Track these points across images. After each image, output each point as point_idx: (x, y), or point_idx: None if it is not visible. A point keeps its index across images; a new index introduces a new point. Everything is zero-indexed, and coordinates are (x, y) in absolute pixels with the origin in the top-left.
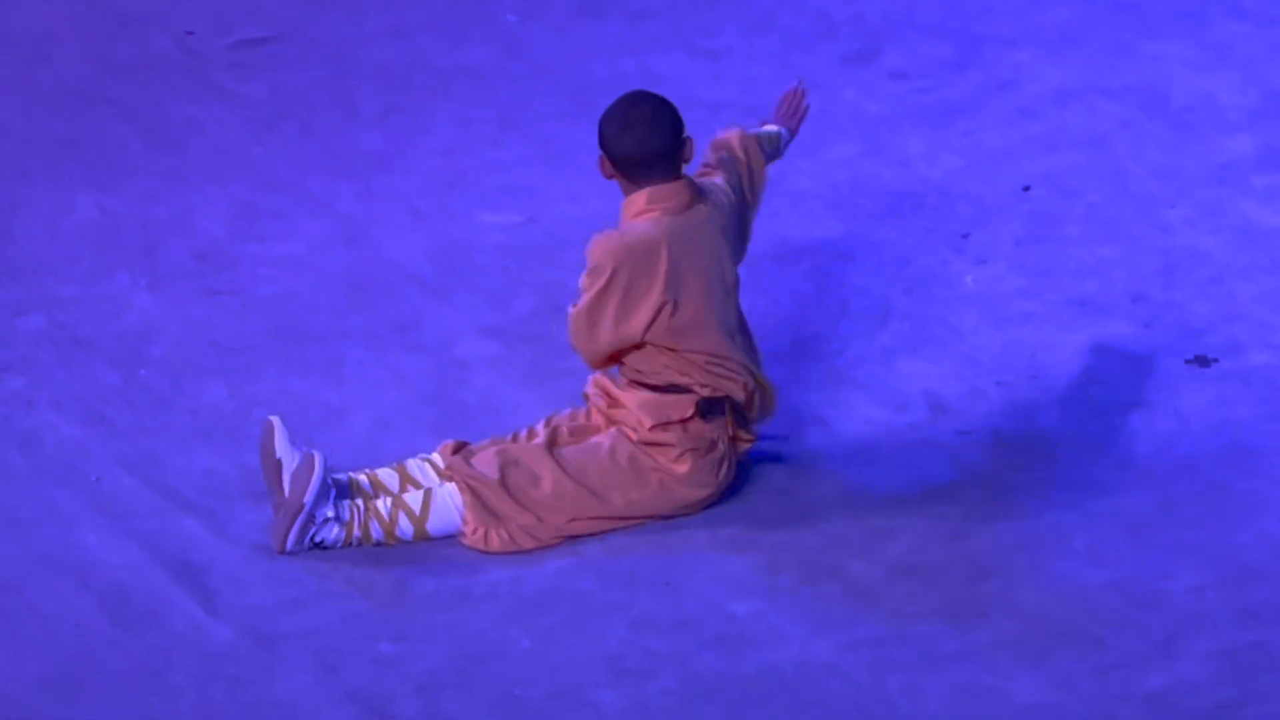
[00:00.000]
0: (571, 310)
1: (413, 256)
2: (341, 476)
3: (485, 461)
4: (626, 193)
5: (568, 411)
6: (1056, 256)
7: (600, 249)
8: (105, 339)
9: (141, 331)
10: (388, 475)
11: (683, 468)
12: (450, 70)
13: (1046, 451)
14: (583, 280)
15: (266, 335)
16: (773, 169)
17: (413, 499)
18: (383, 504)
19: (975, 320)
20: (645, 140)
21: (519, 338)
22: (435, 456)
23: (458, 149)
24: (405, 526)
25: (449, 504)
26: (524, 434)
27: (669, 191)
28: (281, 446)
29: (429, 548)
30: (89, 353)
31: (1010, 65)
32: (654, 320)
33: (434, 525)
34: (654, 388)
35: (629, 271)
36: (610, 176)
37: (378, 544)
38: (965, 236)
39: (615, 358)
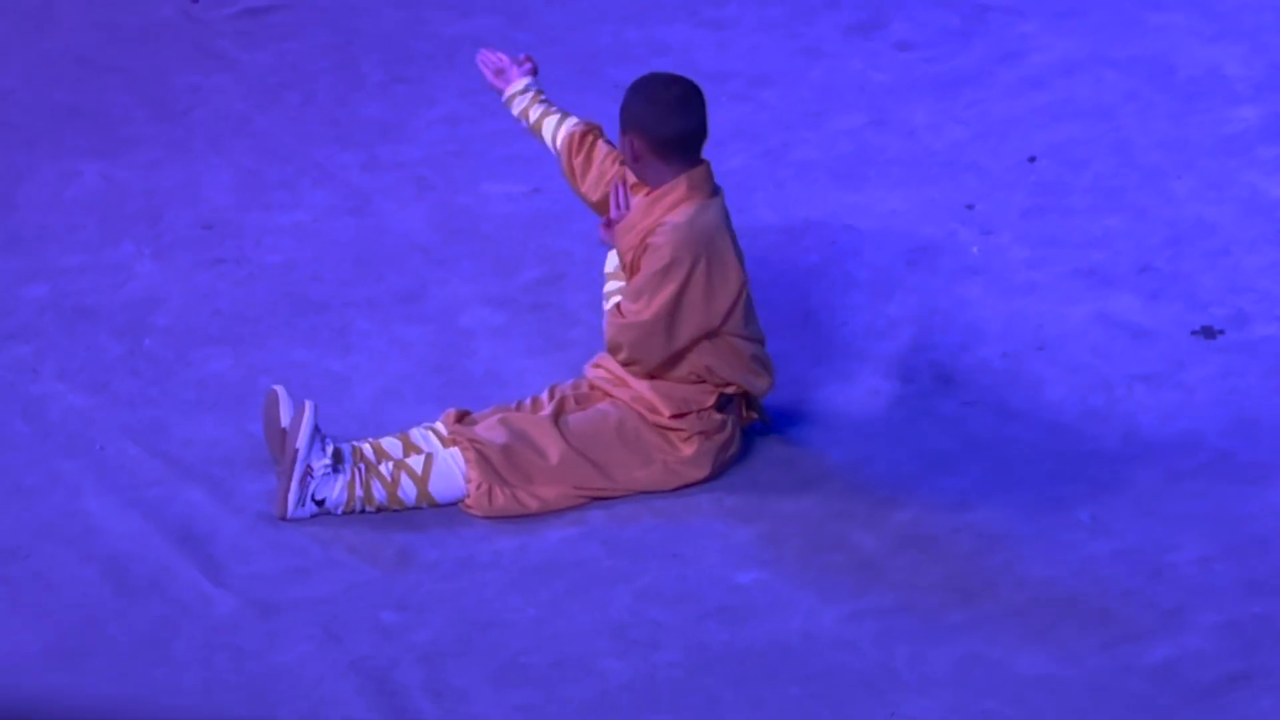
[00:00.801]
0: (630, 318)
1: (418, 226)
2: (344, 446)
3: (490, 428)
4: (653, 178)
5: (571, 381)
6: (1062, 227)
7: (676, 243)
8: (109, 308)
9: (146, 300)
10: (391, 444)
11: (689, 450)
12: (455, 39)
13: (1051, 422)
14: (647, 280)
15: (271, 305)
16: (778, 139)
17: (415, 462)
18: (385, 467)
19: (980, 291)
20: (688, 120)
21: (524, 307)
22: (439, 425)
23: (463, 118)
24: (408, 488)
25: (452, 467)
26: (528, 403)
27: (704, 175)
28: (286, 415)
29: (432, 516)
30: (93, 322)
31: (1016, 35)
32: (734, 305)
33: (436, 488)
34: (679, 380)
35: (708, 260)
36: (639, 159)
37: (380, 509)
38: (971, 207)
39: (679, 357)
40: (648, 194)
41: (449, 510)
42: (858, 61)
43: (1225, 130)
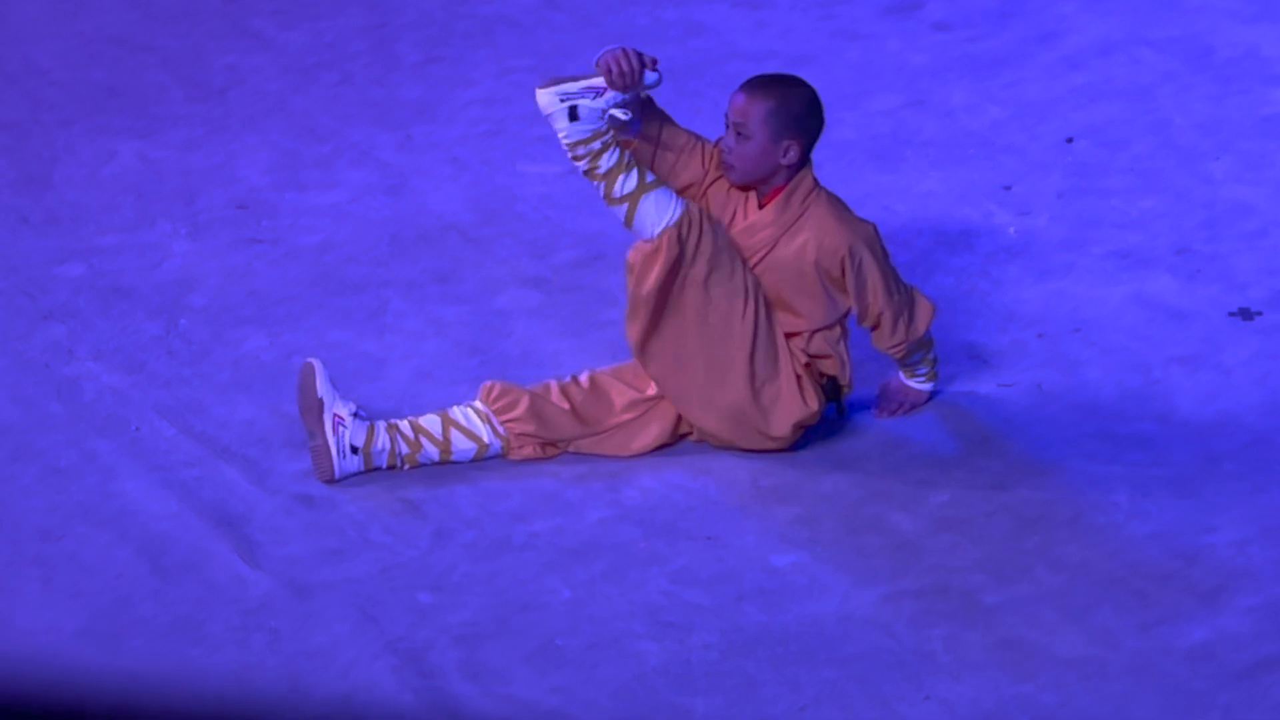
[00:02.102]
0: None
1: (454, 206)
2: (379, 422)
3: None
4: (784, 178)
5: (610, 367)
6: (1099, 208)
7: (869, 236)
8: (145, 288)
9: (182, 280)
10: (430, 421)
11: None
12: (491, 19)
13: (1088, 404)
14: (879, 276)
15: (307, 285)
16: None
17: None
18: (434, 430)
19: (1017, 272)
20: (817, 124)
21: (560, 288)
22: (478, 403)
23: (499, 99)
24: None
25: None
26: (568, 380)
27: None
28: (323, 386)
29: (468, 497)
30: (129, 301)
31: (1054, 16)
32: None
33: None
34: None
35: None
36: (790, 165)
37: (427, 461)
38: (1008, 188)
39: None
40: (766, 196)
41: (486, 491)
42: (895, 42)
43: (1264, 111)
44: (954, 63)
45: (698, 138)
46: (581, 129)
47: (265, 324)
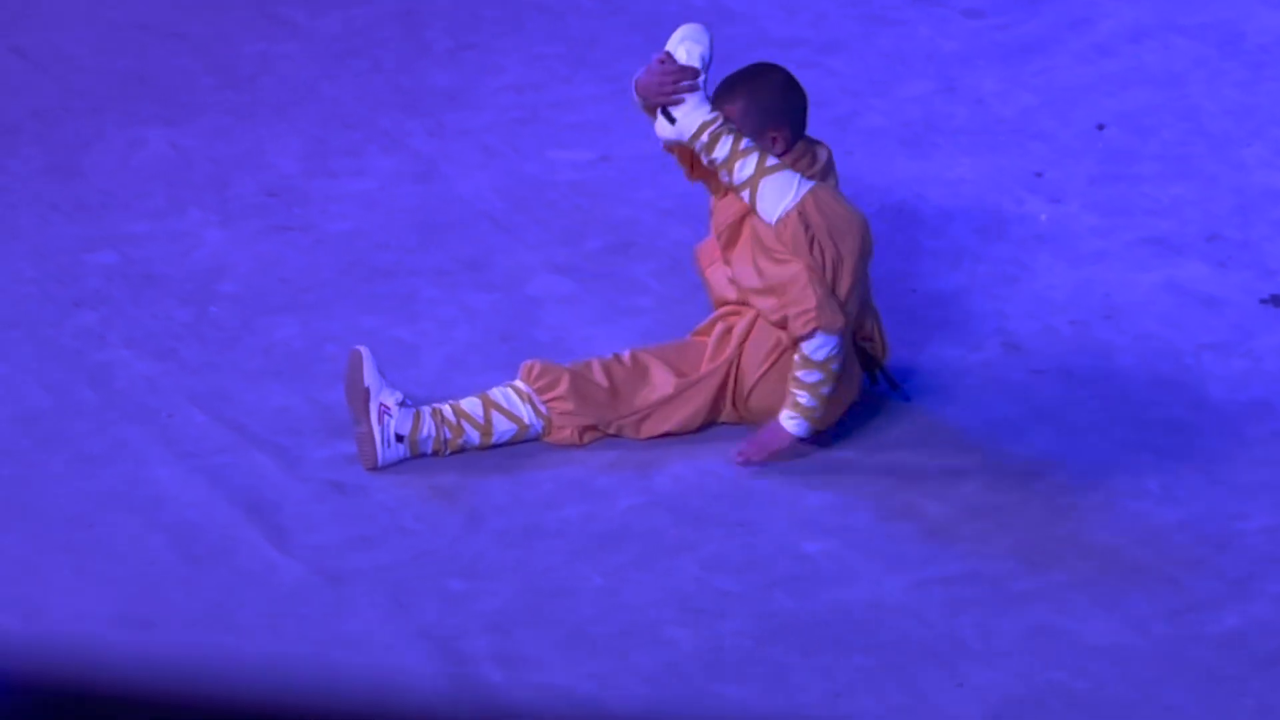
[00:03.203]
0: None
1: (484, 193)
2: (424, 409)
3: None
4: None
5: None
6: (1130, 195)
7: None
8: (176, 275)
9: (212, 268)
10: (471, 404)
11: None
12: (521, 5)
13: (1120, 391)
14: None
15: (337, 272)
16: (846, 106)
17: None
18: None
19: (1049, 259)
20: (800, 96)
21: (591, 275)
22: (519, 383)
23: (529, 85)
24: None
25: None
26: (609, 357)
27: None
28: (370, 375)
29: (499, 484)
30: (160, 289)
31: (1085, 2)
32: None
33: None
34: None
35: None
36: (782, 151)
37: (469, 445)
38: (1039, 175)
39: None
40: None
41: (517, 478)
42: (926, 28)
43: None
44: (985, 49)
45: None
46: (678, 129)
47: (296, 311)
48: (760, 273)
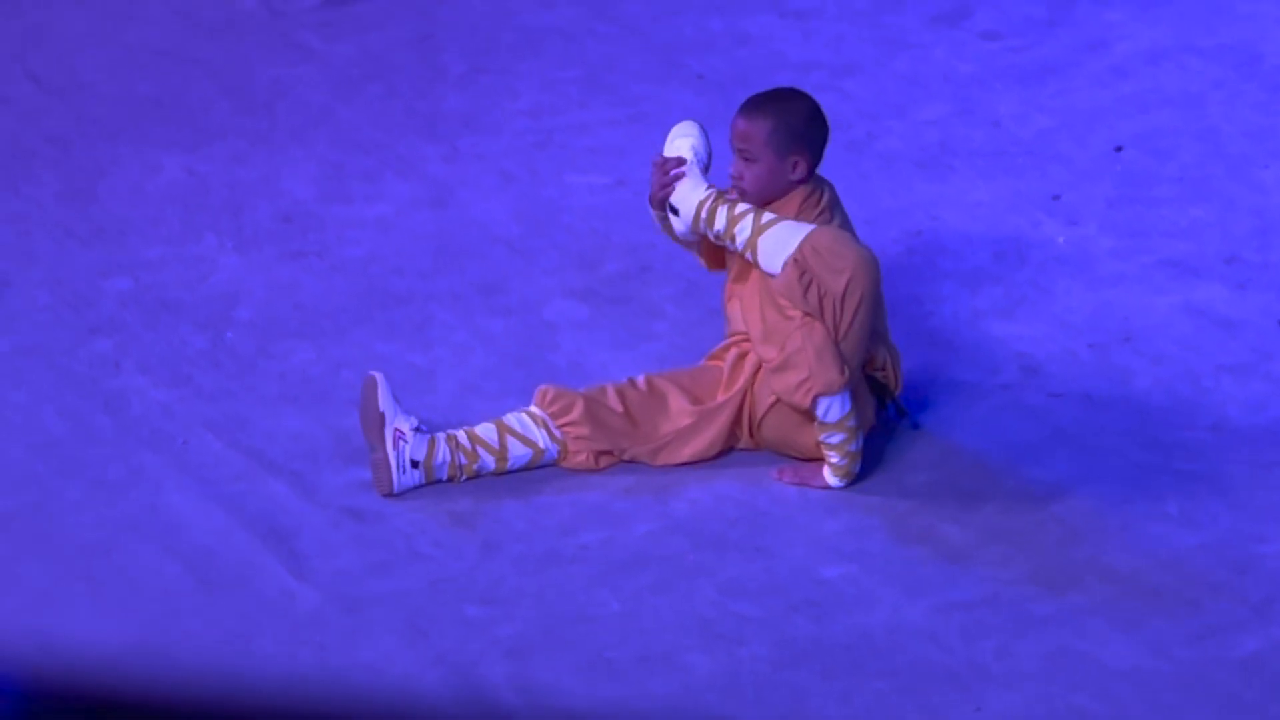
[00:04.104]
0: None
1: (500, 218)
2: (439, 435)
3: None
4: (782, 197)
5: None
6: (1149, 217)
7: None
8: (191, 301)
9: (228, 294)
10: (486, 430)
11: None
12: (537, 30)
13: (1138, 414)
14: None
15: (353, 298)
16: (862, 129)
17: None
18: (490, 440)
19: (1067, 282)
20: (823, 135)
21: (608, 300)
22: (534, 408)
23: (545, 110)
24: (516, 448)
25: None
26: (624, 382)
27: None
28: (385, 401)
29: (517, 510)
30: (175, 315)
31: (1102, 24)
32: None
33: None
34: None
35: None
36: (800, 180)
37: (483, 471)
38: (1056, 197)
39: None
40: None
41: (534, 504)
42: (942, 51)
43: None
44: (1002, 72)
45: None
46: (683, 218)
47: (311, 337)
48: (764, 320)
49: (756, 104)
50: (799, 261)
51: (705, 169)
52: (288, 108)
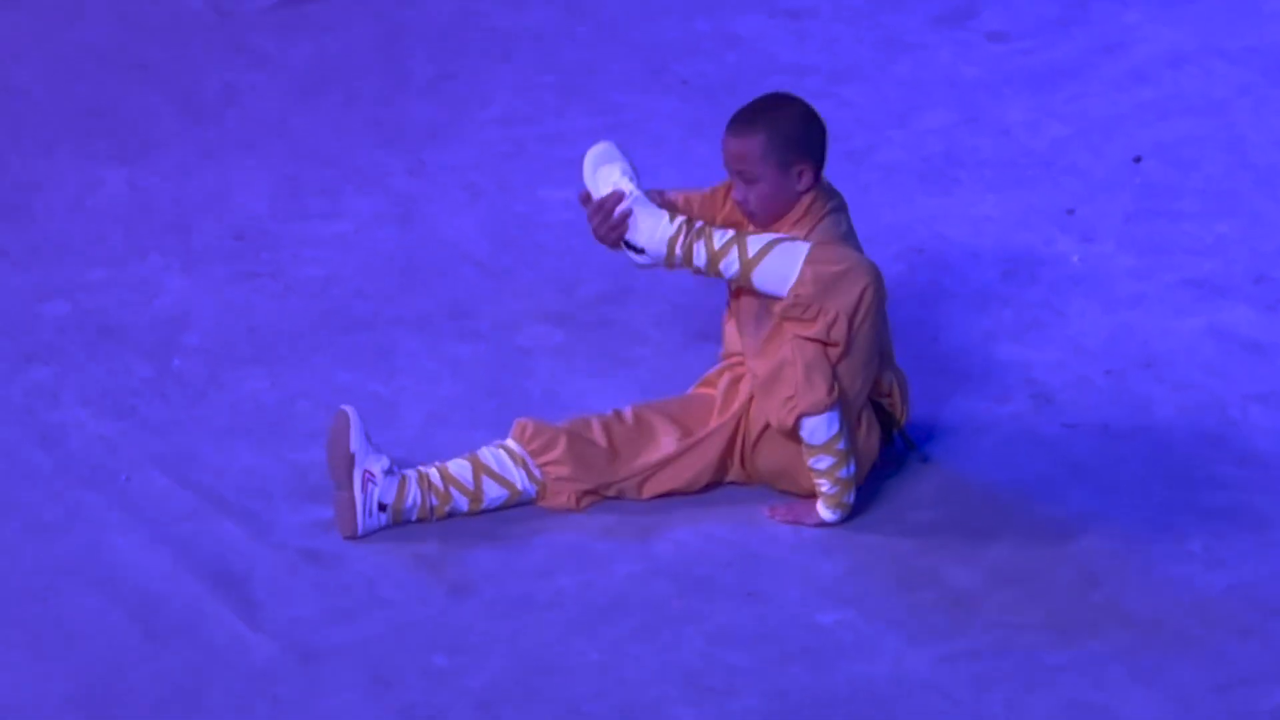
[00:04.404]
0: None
1: (469, 236)
2: (409, 472)
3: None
4: (799, 200)
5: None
6: (1170, 233)
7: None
8: (136, 326)
9: (175, 318)
10: (460, 468)
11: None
12: (510, 32)
13: (1160, 445)
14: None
15: (310, 322)
16: (862, 139)
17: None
18: (464, 480)
19: (1082, 303)
20: (821, 139)
21: (585, 324)
22: (510, 443)
23: (518, 118)
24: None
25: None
26: (609, 414)
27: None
28: (356, 440)
29: (488, 551)
30: (118, 341)
31: (1119, 25)
32: None
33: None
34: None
35: None
36: (806, 188)
37: (456, 512)
38: (1071, 212)
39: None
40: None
41: (506, 544)
42: (947, 54)
43: None
44: (1011, 76)
45: (709, 191)
46: (651, 255)
47: (266, 364)
48: (760, 333)
49: (745, 119)
50: (799, 282)
51: (638, 190)
52: (239, 116)
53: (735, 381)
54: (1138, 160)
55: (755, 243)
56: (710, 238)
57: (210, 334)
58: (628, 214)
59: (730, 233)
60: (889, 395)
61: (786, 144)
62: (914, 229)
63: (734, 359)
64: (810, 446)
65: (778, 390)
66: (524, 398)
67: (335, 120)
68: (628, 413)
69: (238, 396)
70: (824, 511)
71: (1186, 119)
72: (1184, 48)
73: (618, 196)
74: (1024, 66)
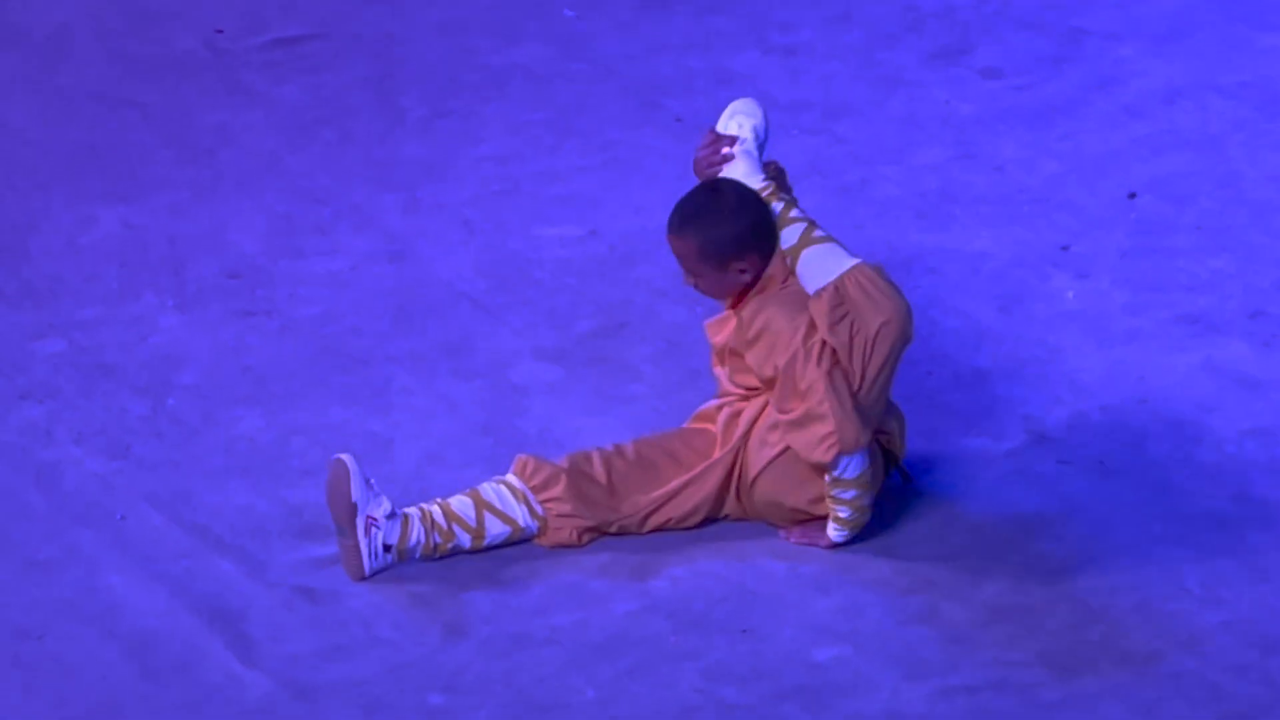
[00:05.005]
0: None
1: (464, 273)
2: (411, 511)
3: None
4: (755, 283)
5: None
6: (1165, 269)
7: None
8: (130, 365)
9: (170, 356)
10: (462, 504)
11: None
12: (503, 69)
13: (1156, 482)
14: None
15: (305, 360)
16: (856, 175)
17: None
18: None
19: (1077, 340)
20: (759, 214)
21: (581, 361)
22: (510, 478)
23: (512, 156)
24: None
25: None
26: (610, 449)
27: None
28: (357, 489)
29: (483, 589)
30: (113, 380)
31: (1113, 61)
32: None
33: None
34: None
35: None
36: (757, 276)
37: (458, 549)
38: (1066, 248)
39: None
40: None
41: (502, 582)
42: (941, 90)
43: None
44: (1005, 112)
45: None
46: None
47: (261, 403)
48: (779, 369)
49: (676, 224)
50: (839, 290)
51: (759, 153)
52: (233, 155)
53: (734, 416)
54: (1132, 196)
55: (820, 233)
56: (787, 206)
57: (205, 372)
58: (730, 158)
59: (804, 215)
60: (888, 433)
61: (719, 247)
62: (909, 266)
63: (731, 397)
64: (840, 480)
65: (814, 428)
66: (519, 435)
67: (329, 158)
68: (629, 448)
69: (233, 435)
70: (834, 532)
71: (1181, 154)
72: (1178, 83)
73: (731, 139)
74: (1018, 103)
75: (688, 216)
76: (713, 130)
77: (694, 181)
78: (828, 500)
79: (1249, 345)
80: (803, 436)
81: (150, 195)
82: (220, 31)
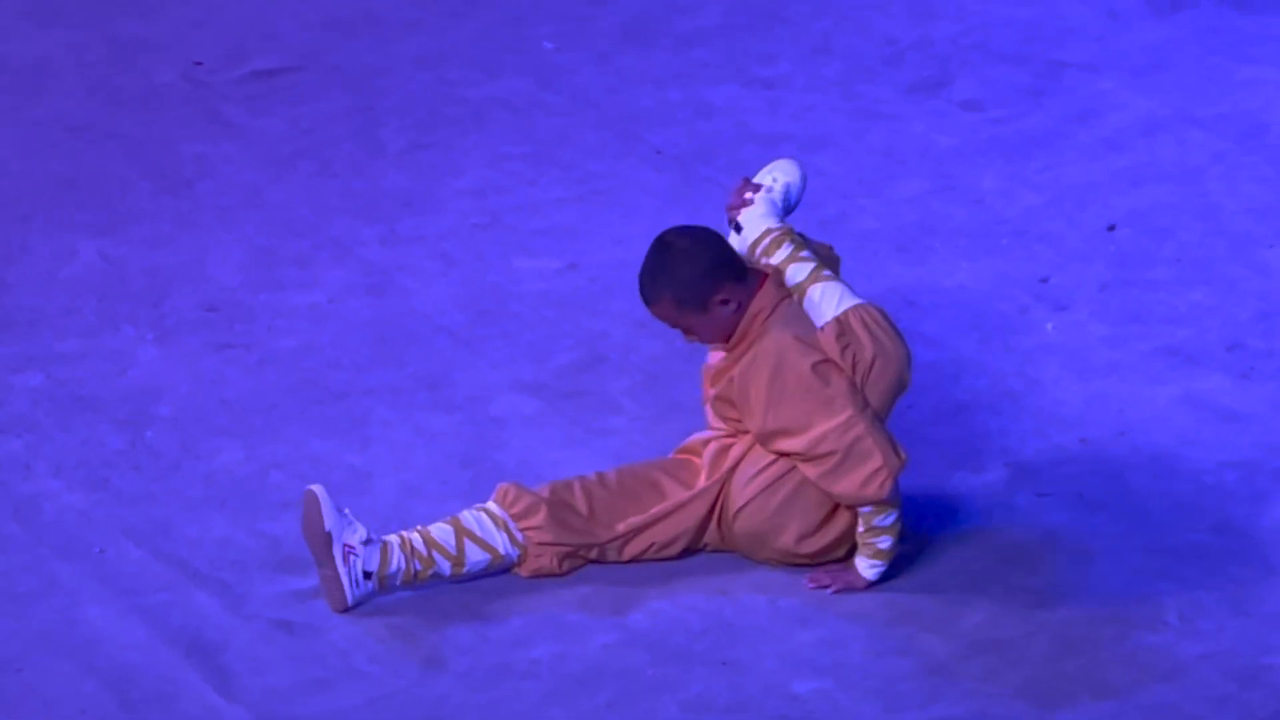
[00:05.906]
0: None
1: (443, 306)
2: (391, 538)
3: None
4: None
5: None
6: (1145, 301)
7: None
8: (109, 397)
9: (148, 389)
10: (443, 532)
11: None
12: (482, 103)
13: (1135, 514)
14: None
15: (284, 393)
16: (835, 207)
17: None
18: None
19: (1057, 372)
20: (713, 244)
21: (560, 394)
22: (491, 505)
23: (491, 188)
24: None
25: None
26: (593, 477)
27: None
28: (330, 518)
29: (463, 621)
30: (91, 412)
31: (1092, 93)
32: None
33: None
34: None
35: None
36: (739, 307)
37: (439, 576)
38: (1045, 280)
39: None
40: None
41: (482, 614)
42: (920, 123)
43: None
44: (985, 145)
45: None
46: (744, 237)
47: (239, 435)
48: (792, 410)
49: (645, 292)
50: (842, 322)
51: (786, 211)
52: (212, 187)
53: (724, 450)
54: (1111, 229)
55: (829, 273)
56: (799, 247)
57: (183, 405)
58: (749, 203)
59: (814, 257)
60: None
61: (691, 288)
62: (888, 298)
63: (719, 433)
64: (883, 505)
65: (861, 469)
66: (498, 468)
67: (308, 191)
68: (611, 476)
69: (211, 468)
70: (869, 571)
71: (1160, 187)
72: (1157, 116)
73: (758, 186)
74: (997, 135)
75: (648, 279)
76: (746, 178)
77: (675, 218)
78: (862, 536)
79: (1228, 377)
80: (849, 481)
81: (129, 227)
82: (200, 64)
